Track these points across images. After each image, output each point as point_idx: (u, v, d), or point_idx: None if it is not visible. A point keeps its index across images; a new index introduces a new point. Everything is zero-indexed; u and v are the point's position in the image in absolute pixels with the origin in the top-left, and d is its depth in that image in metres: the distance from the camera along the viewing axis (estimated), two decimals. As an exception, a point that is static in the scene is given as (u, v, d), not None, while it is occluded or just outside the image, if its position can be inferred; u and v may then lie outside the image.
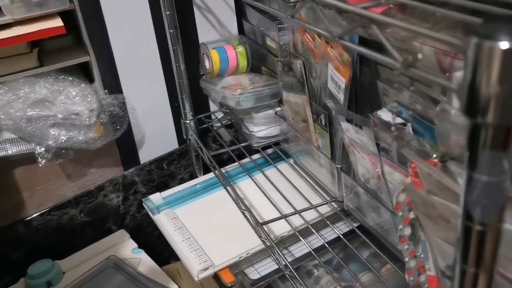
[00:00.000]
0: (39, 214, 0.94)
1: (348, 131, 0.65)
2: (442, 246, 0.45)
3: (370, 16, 0.35)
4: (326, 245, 0.74)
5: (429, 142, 0.54)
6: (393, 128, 0.50)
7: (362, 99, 0.68)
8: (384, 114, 0.61)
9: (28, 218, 0.93)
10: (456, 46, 0.27)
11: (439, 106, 0.44)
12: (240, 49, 0.95)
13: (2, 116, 0.82)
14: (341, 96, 0.67)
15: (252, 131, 0.91)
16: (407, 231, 0.50)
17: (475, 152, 0.29)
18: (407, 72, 0.32)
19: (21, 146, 0.86)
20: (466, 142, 0.30)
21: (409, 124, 0.57)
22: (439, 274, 0.49)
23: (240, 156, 0.97)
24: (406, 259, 0.51)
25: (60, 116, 0.85)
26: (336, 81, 0.67)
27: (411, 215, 0.50)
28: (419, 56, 0.32)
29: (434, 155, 0.49)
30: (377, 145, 0.61)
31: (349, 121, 0.67)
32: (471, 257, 0.32)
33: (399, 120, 0.60)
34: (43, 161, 0.87)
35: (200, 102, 1.04)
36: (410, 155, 0.46)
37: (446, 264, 0.46)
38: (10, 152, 0.86)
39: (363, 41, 0.63)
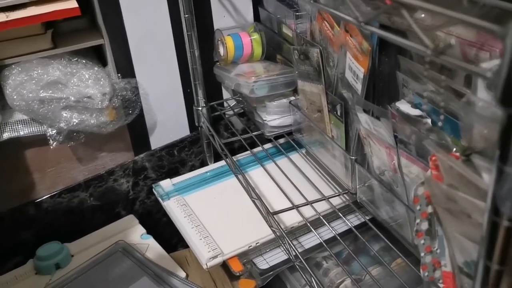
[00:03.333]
0: (49, 196, 0.94)
1: (365, 122, 0.64)
2: (462, 242, 0.44)
3: (400, 0, 0.33)
4: (337, 236, 0.73)
5: (449, 136, 0.52)
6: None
7: (380, 90, 0.67)
8: (403, 106, 0.60)
9: (39, 199, 0.93)
10: (494, 32, 0.26)
11: (464, 98, 0.43)
12: (255, 36, 0.94)
13: (15, 97, 0.81)
14: (358, 86, 0.66)
15: (265, 120, 0.90)
16: (424, 225, 0.49)
17: (508, 144, 0.28)
18: (437, 60, 0.31)
19: (33, 128, 0.86)
20: (498, 134, 0.28)
21: (428, 118, 0.56)
22: (455, 271, 0.48)
23: (252, 145, 0.96)
24: (422, 254, 0.50)
25: (72, 98, 0.84)
26: (354, 70, 0.65)
27: (429, 209, 0.48)
28: (452, 42, 0.31)
29: (454, 149, 0.48)
30: (395, 137, 0.59)
31: (366, 111, 0.65)
32: (497, 254, 0.31)
33: (418, 112, 0.59)
34: (55, 143, 0.86)
35: (213, 89, 1.03)
36: (432, 147, 0.44)
37: (465, 260, 0.45)
38: (21, 133, 0.86)
39: (383, 29, 0.61)
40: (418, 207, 0.48)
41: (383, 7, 0.38)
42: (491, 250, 0.32)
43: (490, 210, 0.31)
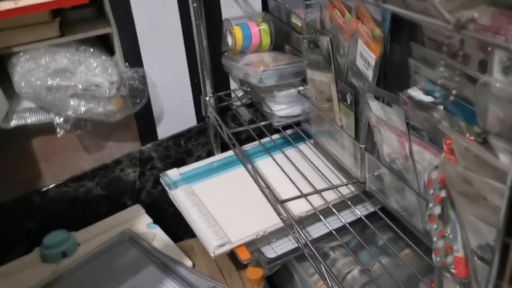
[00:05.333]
0: (55, 185, 0.94)
1: (376, 109, 0.64)
2: (476, 225, 0.44)
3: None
4: (347, 225, 0.72)
5: (463, 122, 0.52)
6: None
7: (391, 77, 0.66)
8: (415, 93, 0.60)
9: (45, 188, 0.93)
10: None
11: (481, 80, 0.42)
12: (264, 26, 0.94)
13: (23, 84, 0.81)
14: (370, 73, 0.65)
15: (273, 110, 0.90)
16: (437, 210, 0.49)
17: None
18: (459, 34, 0.30)
19: (40, 116, 0.86)
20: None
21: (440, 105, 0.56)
22: (468, 255, 0.48)
23: (259, 136, 0.96)
24: (434, 239, 0.50)
25: (80, 86, 0.84)
26: (366, 57, 0.65)
27: (442, 194, 0.48)
28: (475, 15, 0.30)
29: (468, 134, 0.48)
30: (407, 123, 0.59)
31: (377, 98, 0.65)
32: (517, 231, 0.31)
33: (430, 99, 0.58)
34: (62, 131, 0.86)
35: (220, 80, 1.03)
36: (448, 129, 0.44)
37: (479, 243, 0.45)
38: (29, 121, 0.85)
39: (395, 15, 0.61)
40: (431, 191, 0.48)
41: (400, -14, 0.38)
42: (510, 227, 0.31)
43: (510, 188, 0.31)
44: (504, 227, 0.31)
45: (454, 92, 0.52)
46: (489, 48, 0.46)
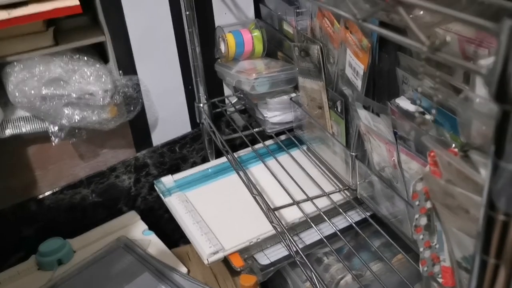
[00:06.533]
0: (51, 193, 0.95)
1: (365, 118, 0.64)
2: (459, 237, 0.44)
3: (397, -2, 0.33)
4: (338, 232, 0.73)
5: (449, 132, 0.53)
6: (417, 115, 0.49)
7: (380, 86, 0.67)
8: (402, 102, 0.60)
9: (41, 196, 0.94)
10: (488, 29, 0.26)
11: (462, 94, 0.43)
12: (256, 33, 0.94)
13: (17, 94, 0.82)
14: (358, 83, 0.66)
15: (266, 117, 0.91)
16: (423, 221, 0.50)
17: (503, 139, 0.28)
18: (433, 57, 0.31)
19: (35, 125, 0.87)
20: (493, 129, 0.29)
21: (427, 114, 0.56)
22: (454, 266, 0.49)
23: (253, 142, 0.97)
24: (421, 249, 0.51)
25: (74, 95, 0.84)
26: (354, 67, 0.66)
27: (428, 205, 0.49)
28: (448, 39, 0.31)
29: (453, 145, 0.49)
30: (394, 133, 0.60)
31: (366, 108, 0.66)
32: (493, 248, 0.32)
33: (416, 108, 0.59)
34: (56, 140, 0.87)
35: (214, 86, 1.03)
36: (430, 143, 0.45)
37: (463, 255, 0.45)
38: (24, 130, 0.86)
39: (383, 26, 0.61)
40: (417, 203, 0.49)
41: (380, 5, 0.39)
42: (487, 244, 0.32)
43: (486, 205, 0.31)
44: (481, 245, 0.32)
45: (436, 100, 0.53)
46: (472, 61, 0.47)
